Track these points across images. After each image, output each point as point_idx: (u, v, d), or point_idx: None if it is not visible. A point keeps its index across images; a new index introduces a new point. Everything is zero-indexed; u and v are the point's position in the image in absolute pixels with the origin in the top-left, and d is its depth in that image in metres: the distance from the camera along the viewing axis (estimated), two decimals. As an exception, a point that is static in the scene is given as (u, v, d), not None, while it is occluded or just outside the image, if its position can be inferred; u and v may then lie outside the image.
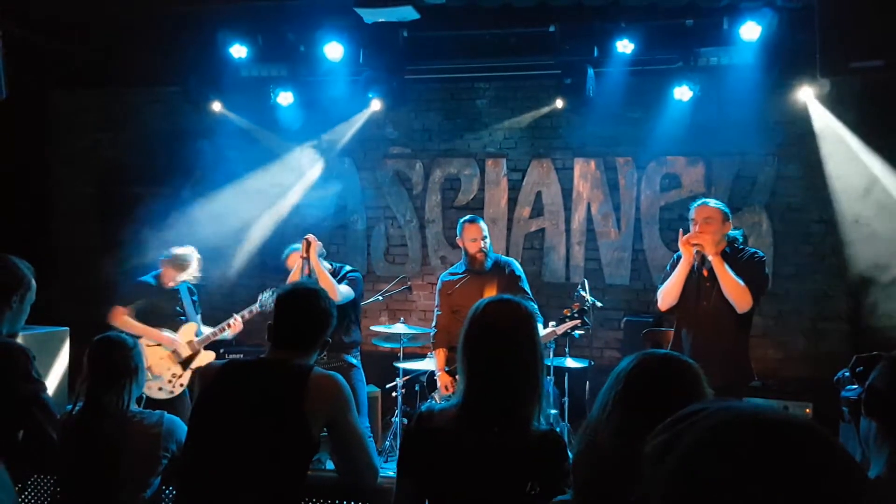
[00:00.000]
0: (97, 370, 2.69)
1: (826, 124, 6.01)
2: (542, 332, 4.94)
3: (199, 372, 2.65)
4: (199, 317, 5.52)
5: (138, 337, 4.77)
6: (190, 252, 5.35)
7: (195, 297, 5.53)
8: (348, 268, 5.18)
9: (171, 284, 5.28)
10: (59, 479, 2.73)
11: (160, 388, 5.15)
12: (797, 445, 0.78)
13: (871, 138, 5.93)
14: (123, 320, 5.11)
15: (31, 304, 2.92)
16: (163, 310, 5.26)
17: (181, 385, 5.18)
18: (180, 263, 5.29)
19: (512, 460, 2.03)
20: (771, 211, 6.37)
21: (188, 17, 6.08)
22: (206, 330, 5.36)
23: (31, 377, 2.71)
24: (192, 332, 5.29)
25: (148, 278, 5.30)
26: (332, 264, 5.15)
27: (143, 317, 5.17)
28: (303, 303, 2.57)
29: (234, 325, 5.36)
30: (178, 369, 5.22)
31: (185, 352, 5.23)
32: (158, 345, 5.20)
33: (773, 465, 0.76)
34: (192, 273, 5.34)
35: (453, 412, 2.12)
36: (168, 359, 5.22)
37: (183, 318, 5.32)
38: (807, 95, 5.86)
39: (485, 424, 2.06)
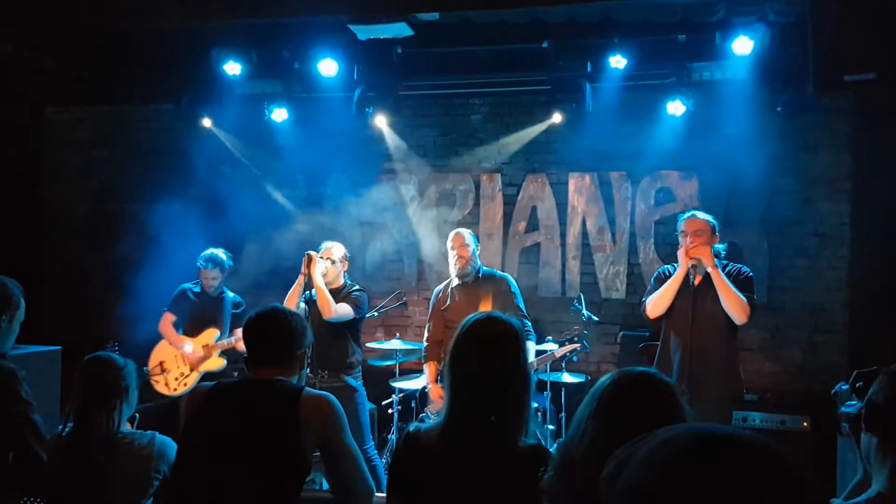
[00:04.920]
0: (87, 390, 2.65)
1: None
2: (533, 349, 4.92)
3: (188, 395, 2.64)
4: (232, 330, 5.62)
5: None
6: (219, 252, 5.58)
7: (238, 311, 5.67)
8: (356, 287, 5.10)
9: (210, 290, 5.55)
10: (48, 501, 2.68)
11: (167, 384, 5.44)
12: (738, 461, 0.78)
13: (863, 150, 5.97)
14: (164, 326, 5.55)
15: (20, 323, 2.89)
16: (201, 316, 5.54)
17: (185, 385, 5.38)
18: (211, 264, 5.49)
19: (498, 477, 2.02)
20: (766, 224, 6.36)
21: (183, 34, 6.09)
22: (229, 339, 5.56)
23: (21, 397, 2.68)
24: (210, 336, 5.48)
25: (189, 284, 5.65)
26: (346, 281, 5.12)
27: (187, 322, 5.53)
28: (267, 320, 2.58)
29: (239, 342, 5.39)
30: (186, 369, 5.45)
31: (199, 353, 5.45)
32: None
33: (712, 481, 0.76)
34: (213, 276, 5.50)
35: (439, 430, 2.11)
36: (181, 358, 5.48)
37: (212, 323, 5.54)
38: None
39: (470, 442, 2.05)
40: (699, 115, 6.07)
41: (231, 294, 5.71)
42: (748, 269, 4.20)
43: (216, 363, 5.46)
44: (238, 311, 5.71)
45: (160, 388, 5.40)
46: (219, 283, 5.58)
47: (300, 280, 4.83)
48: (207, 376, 5.36)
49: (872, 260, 5.86)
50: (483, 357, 2.11)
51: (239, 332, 5.36)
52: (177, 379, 5.40)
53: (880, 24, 3.67)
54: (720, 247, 4.26)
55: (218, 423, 2.39)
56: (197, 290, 5.61)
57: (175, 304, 5.62)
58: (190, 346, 5.47)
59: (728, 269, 4.14)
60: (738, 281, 4.07)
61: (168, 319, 5.56)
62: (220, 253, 5.59)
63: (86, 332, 6.31)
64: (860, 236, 6.08)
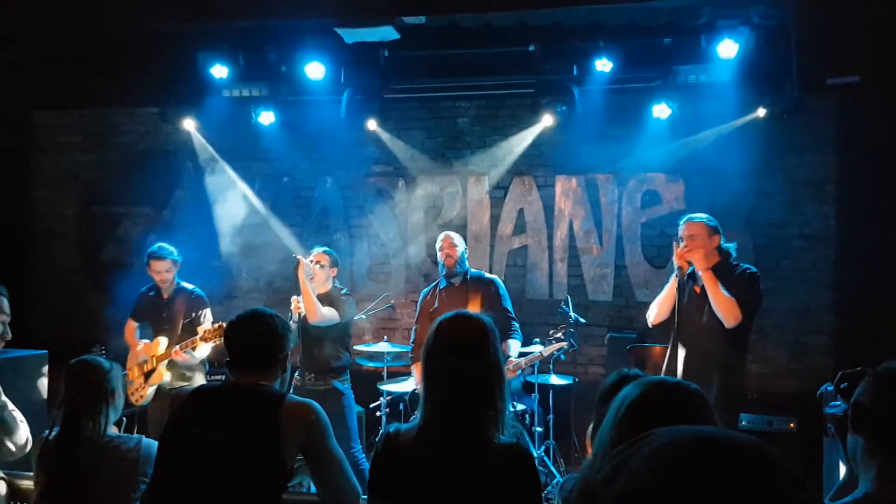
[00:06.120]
0: (73, 394, 2.64)
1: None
2: (513, 350, 4.94)
3: (170, 398, 2.61)
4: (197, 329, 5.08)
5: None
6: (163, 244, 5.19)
7: (196, 310, 5.20)
8: (343, 290, 5.06)
9: (164, 288, 5.19)
10: (34, 505, 2.66)
11: (131, 394, 5.09)
12: (737, 464, 0.78)
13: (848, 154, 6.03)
14: (126, 333, 5.26)
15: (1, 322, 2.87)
16: (157, 322, 5.21)
17: (142, 397, 5.07)
18: (154, 258, 5.12)
19: (476, 475, 2.03)
20: (751, 226, 6.40)
21: (168, 37, 6.06)
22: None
23: None
24: (156, 347, 5.11)
25: (146, 288, 5.32)
26: (335, 285, 5.08)
27: (149, 328, 5.22)
28: (249, 324, 2.55)
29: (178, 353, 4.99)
30: (141, 381, 5.13)
31: (148, 365, 5.11)
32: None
33: (711, 484, 0.76)
34: (166, 268, 5.11)
35: (416, 429, 2.12)
36: (138, 369, 5.16)
37: (166, 328, 5.16)
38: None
39: (446, 441, 2.06)
40: (685, 117, 6.13)
41: (189, 287, 5.27)
42: (755, 269, 4.15)
43: (159, 376, 5.06)
44: (196, 306, 5.24)
45: (129, 398, 5.06)
46: (172, 276, 5.18)
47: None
48: (160, 389, 5.08)
49: (858, 261, 5.90)
50: (454, 355, 2.12)
51: (176, 349, 4.96)
52: (137, 390, 5.08)
53: (863, 28, 3.70)
54: (731, 245, 4.23)
55: (198, 428, 2.37)
56: (152, 293, 5.26)
57: (134, 311, 5.33)
58: (142, 355, 5.18)
59: (735, 269, 4.11)
60: (743, 279, 4.03)
61: (130, 327, 5.28)
62: (165, 245, 5.20)
63: (72, 335, 6.25)
64: (845, 238, 6.13)
